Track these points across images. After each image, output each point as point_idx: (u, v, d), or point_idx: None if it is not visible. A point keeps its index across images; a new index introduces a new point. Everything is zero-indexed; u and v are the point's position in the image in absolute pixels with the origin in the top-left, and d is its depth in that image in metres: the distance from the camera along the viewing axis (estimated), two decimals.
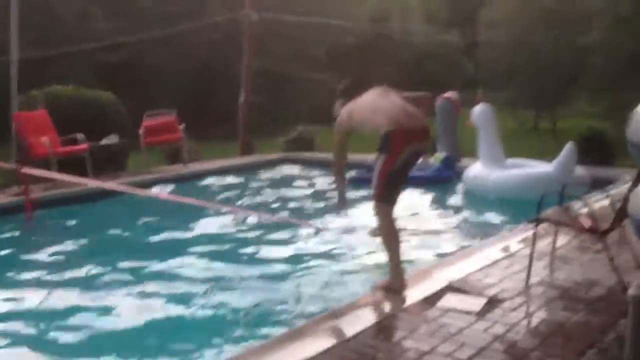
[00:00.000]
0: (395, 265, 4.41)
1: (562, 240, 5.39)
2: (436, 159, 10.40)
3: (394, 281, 4.43)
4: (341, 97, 4.78)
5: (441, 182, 9.93)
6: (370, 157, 4.64)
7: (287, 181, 10.98)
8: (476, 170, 9.17)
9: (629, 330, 2.78)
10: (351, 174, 9.81)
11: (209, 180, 10.76)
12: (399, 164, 4.24)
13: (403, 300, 4.27)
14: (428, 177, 9.97)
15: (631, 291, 2.77)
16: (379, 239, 4.53)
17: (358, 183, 8.93)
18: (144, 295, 5.22)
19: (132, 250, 6.78)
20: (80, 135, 10.19)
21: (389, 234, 4.37)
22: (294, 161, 12.65)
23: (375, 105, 4.38)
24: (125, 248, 6.87)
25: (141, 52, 24.78)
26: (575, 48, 23.46)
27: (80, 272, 5.92)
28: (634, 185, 3.86)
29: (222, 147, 16.81)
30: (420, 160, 4.71)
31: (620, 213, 4.20)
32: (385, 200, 4.33)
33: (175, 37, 21.94)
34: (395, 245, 4.38)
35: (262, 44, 19.65)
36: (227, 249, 6.74)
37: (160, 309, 4.90)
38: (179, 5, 25.05)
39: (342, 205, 5.09)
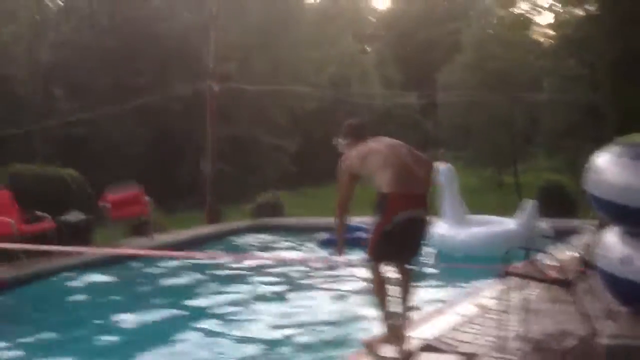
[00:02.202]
0: (384, 318, 4.43)
1: (532, 293, 5.46)
2: None
3: (386, 334, 4.44)
4: (348, 136, 4.74)
5: None
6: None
7: (258, 248, 10.94)
8: (442, 229, 9.30)
9: None
10: (322, 235, 9.86)
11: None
12: (393, 225, 4.27)
13: None
14: None
15: (604, 340, 2.83)
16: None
17: (329, 245, 8.95)
18: None
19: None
20: (45, 215, 10.06)
21: (377, 289, 4.41)
22: (262, 228, 12.63)
23: (387, 161, 4.40)
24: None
25: (100, 126, 24.78)
26: (527, 106, 24.31)
27: None
28: (597, 236, 3.98)
29: (187, 217, 16.73)
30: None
31: (586, 263, 4.30)
32: (375, 256, 4.36)
33: (137, 109, 22.03)
34: (382, 300, 4.40)
35: (225, 112, 19.85)
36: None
37: None
38: (141, 78, 25.25)
39: (341, 250, 4.80)
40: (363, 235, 7.61)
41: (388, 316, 4.44)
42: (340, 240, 4.72)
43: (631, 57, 14.00)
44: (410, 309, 4.58)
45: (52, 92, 25.05)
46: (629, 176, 2.93)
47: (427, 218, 4.50)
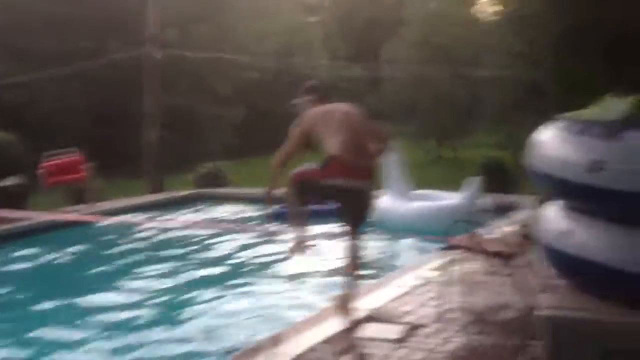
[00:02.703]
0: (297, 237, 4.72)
1: (472, 266, 5.58)
2: None
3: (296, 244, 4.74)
4: (309, 93, 4.77)
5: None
6: None
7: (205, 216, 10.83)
8: (386, 203, 9.35)
9: (543, 349, 2.91)
10: (275, 207, 9.74)
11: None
12: (328, 185, 4.42)
13: (324, 332, 4.28)
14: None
15: (543, 312, 2.90)
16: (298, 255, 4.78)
17: (277, 218, 8.87)
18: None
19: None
20: None
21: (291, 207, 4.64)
22: (203, 197, 12.48)
23: (340, 127, 4.47)
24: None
25: (41, 91, 23.96)
26: (469, 82, 24.65)
27: None
28: (537, 210, 4.06)
29: (126, 185, 16.40)
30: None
31: (525, 237, 4.40)
32: (298, 185, 4.51)
33: (77, 76, 21.37)
34: (293, 215, 4.67)
35: (166, 81, 19.44)
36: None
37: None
38: (79, 43, 24.45)
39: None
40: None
41: (298, 233, 4.69)
42: (269, 197, 4.79)
43: (574, 33, 14.29)
44: (355, 281, 4.63)
45: None
46: (571, 151, 2.99)
47: (368, 190, 4.54)
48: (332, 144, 4.44)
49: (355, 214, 4.61)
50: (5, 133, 12.09)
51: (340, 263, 4.72)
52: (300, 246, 4.77)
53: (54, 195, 11.31)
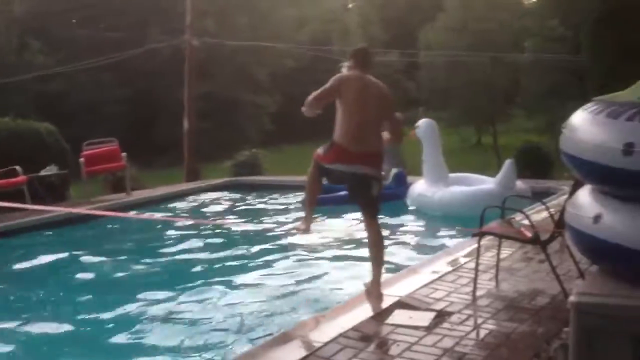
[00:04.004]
0: (306, 205, 5.09)
1: (506, 252, 5.51)
2: (390, 175, 10.41)
3: (303, 222, 5.04)
4: (350, 58, 4.81)
5: (394, 198, 9.89)
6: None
7: (233, 206, 10.90)
8: (421, 188, 9.30)
9: (571, 336, 2.85)
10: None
11: (154, 208, 10.58)
12: (328, 168, 4.62)
13: (354, 318, 4.27)
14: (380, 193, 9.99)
15: (571, 298, 2.84)
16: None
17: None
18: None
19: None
20: (18, 168, 9.93)
21: (308, 179, 4.87)
22: (240, 185, 12.56)
23: (355, 111, 4.52)
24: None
25: (79, 81, 24.39)
26: (509, 68, 24.29)
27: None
28: (571, 195, 3.97)
29: (167, 174, 16.64)
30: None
31: (559, 223, 4.32)
32: (318, 159, 4.68)
33: (116, 66, 21.69)
34: (309, 190, 4.94)
35: (205, 70, 19.62)
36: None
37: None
38: (118, 33, 24.80)
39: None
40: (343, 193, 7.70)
41: (308, 209, 5.02)
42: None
43: (611, 17, 14.01)
44: (379, 266, 4.65)
45: (28, 45, 24.50)
46: (601, 133, 2.91)
47: (370, 174, 4.55)
48: (340, 129, 4.53)
49: (362, 199, 4.65)
50: (45, 123, 12.33)
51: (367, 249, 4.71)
52: (307, 224, 4.98)
53: (94, 184, 11.51)
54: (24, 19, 24.70)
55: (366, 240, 4.69)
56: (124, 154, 11.08)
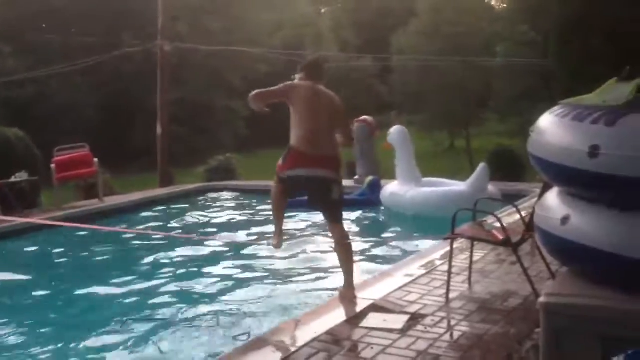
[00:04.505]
0: (275, 224, 5.08)
1: (478, 254, 5.57)
2: (365, 182, 10.48)
3: (274, 238, 5.09)
4: (301, 71, 4.99)
5: (369, 205, 9.95)
6: None
7: (208, 210, 10.85)
8: (393, 187, 9.40)
9: (541, 337, 2.89)
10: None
11: (127, 214, 10.49)
12: (287, 177, 4.72)
13: (328, 322, 4.28)
14: (355, 199, 10.06)
15: (541, 299, 2.88)
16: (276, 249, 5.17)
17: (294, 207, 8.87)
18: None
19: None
20: None
21: (273, 198, 4.96)
22: (214, 190, 12.52)
23: (308, 118, 4.68)
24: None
25: (50, 87, 24.10)
26: (480, 72, 24.53)
27: None
28: (540, 197, 4.03)
29: (140, 180, 16.51)
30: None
31: (529, 225, 4.37)
32: (279, 170, 4.79)
33: (88, 70, 21.48)
34: (276, 209, 5.00)
35: (178, 74, 19.51)
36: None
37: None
38: (91, 37, 24.55)
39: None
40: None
41: (278, 227, 5.04)
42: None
43: (576, 21, 14.29)
44: (350, 269, 4.78)
45: None
46: (568, 136, 2.96)
47: (330, 177, 4.68)
48: (294, 135, 4.69)
49: (322, 203, 4.79)
50: (15, 129, 12.17)
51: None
52: (278, 240, 5.05)
53: (65, 191, 11.37)
54: None
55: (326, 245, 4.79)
56: (95, 160, 10.98)
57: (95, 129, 22.91)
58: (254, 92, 4.74)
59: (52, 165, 10.64)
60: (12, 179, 10.46)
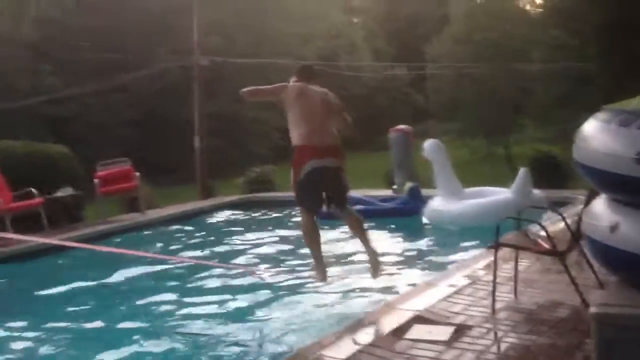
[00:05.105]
0: (314, 258, 5.37)
1: (523, 264, 5.49)
2: (405, 189, 10.38)
3: (317, 273, 5.43)
4: (295, 74, 5.53)
5: (410, 213, 9.86)
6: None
7: (247, 224, 10.92)
8: (436, 203, 9.24)
9: (594, 348, 2.84)
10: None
11: (169, 226, 10.61)
12: (303, 175, 5.06)
13: (372, 334, 4.27)
14: (396, 208, 10.01)
15: (592, 309, 2.84)
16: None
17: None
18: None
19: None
20: (33, 190, 10.00)
21: (305, 232, 5.28)
22: (253, 202, 12.60)
23: (306, 116, 5.13)
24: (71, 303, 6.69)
25: (90, 103, 24.57)
26: (516, 77, 24.25)
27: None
28: (587, 205, 3.98)
29: (178, 192, 16.68)
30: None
31: (576, 233, 4.31)
32: (300, 204, 5.25)
33: (125, 86, 21.86)
34: (311, 242, 5.29)
35: (212, 87, 19.71)
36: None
37: None
38: (127, 54, 24.96)
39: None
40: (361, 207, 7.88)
41: (318, 260, 5.35)
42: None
43: (616, 24, 14.00)
44: (373, 251, 5.41)
45: (39, 69, 24.74)
46: (615, 143, 2.92)
47: (339, 165, 5.19)
48: (296, 134, 5.13)
49: (334, 188, 5.23)
50: (59, 145, 12.43)
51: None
52: (322, 275, 5.44)
53: (107, 204, 11.57)
54: (34, 44, 24.94)
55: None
56: (137, 174, 11.16)
57: (133, 143, 23.26)
58: (247, 88, 5.37)
59: (95, 180, 10.84)
60: (57, 194, 10.67)
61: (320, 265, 5.36)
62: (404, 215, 9.82)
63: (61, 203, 10.62)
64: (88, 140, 22.35)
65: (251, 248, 8.76)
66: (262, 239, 9.39)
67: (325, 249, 6.93)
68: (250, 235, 9.77)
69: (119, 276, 7.46)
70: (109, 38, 25.97)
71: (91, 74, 23.23)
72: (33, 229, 9.44)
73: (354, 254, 7.22)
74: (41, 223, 9.69)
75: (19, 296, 7.15)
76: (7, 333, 5.69)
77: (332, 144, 5.15)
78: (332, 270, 6.64)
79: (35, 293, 7.02)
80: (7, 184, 10.03)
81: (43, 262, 8.34)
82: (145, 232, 10.16)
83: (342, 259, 7.41)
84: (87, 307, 6.40)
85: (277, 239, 9.30)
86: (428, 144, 9.50)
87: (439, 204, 9.15)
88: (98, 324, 5.78)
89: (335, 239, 8.22)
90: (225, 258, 8.05)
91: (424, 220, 9.46)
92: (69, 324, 5.86)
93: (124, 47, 25.87)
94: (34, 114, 22.72)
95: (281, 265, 7.63)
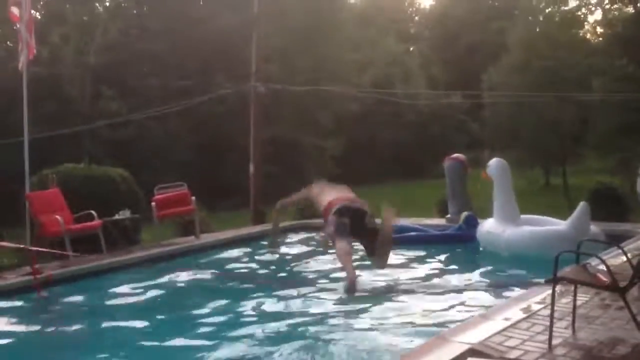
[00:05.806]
0: (347, 270, 6.91)
1: (582, 298, 5.33)
2: (461, 218, 10.27)
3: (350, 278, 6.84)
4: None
5: (465, 240, 9.73)
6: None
7: (297, 250, 10.94)
8: (490, 225, 9.12)
9: None
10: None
11: (222, 251, 10.73)
12: (338, 215, 7.03)
13: None
14: (450, 235, 9.90)
15: None
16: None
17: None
18: None
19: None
20: (93, 212, 10.26)
21: (340, 255, 7.02)
22: (305, 228, 12.63)
23: (332, 191, 7.63)
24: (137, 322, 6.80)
25: (149, 127, 25.23)
26: (576, 107, 23.81)
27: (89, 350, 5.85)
28: None
29: (232, 217, 16.88)
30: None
31: (638, 268, 4.17)
32: (338, 236, 6.95)
33: (183, 112, 22.35)
34: (344, 262, 6.97)
35: (269, 113, 19.98)
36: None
37: None
38: (186, 80, 25.59)
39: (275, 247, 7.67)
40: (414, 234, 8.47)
41: (351, 272, 6.86)
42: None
43: None
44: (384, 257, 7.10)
45: (101, 93, 25.59)
46: None
47: (365, 209, 7.21)
48: (325, 200, 7.38)
49: (362, 229, 7.01)
50: (119, 169, 12.75)
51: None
52: (354, 285, 6.71)
53: (164, 228, 11.78)
54: (98, 69, 25.85)
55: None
56: (193, 198, 11.34)
57: (190, 167, 23.72)
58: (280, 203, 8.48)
59: (153, 204, 11.06)
60: (116, 217, 10.92)
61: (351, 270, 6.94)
62: (460, 243, 9.70)
63: (119, 226, 10.87)
64: (148, 164, 22.92)
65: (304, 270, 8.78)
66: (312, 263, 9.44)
67: (380, 278, 7.08)
68: (300, 261, 9.82)
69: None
70: (170, 64, 26.70)
71: (152, 99, 23.89)
72: (91, 250, 9.67)
73: (408, 282, 7.14)
74: (99, 245, 9.91)
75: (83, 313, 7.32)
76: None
77: (361, 206, 7.40)
78: (387, 302, 6.62)
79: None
80: (68, 206, 10.32)
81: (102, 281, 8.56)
82: (199, 256, 10.29)
83: (395, 288, 7.36)
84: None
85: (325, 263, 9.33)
86: (494, 161, 9.37)
87: (494, 226, 9.01)
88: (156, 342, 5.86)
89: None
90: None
91: (478, 241, 9.34)
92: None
93: (184, 73, 26.56)
94: (96, 138, 23.47)
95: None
